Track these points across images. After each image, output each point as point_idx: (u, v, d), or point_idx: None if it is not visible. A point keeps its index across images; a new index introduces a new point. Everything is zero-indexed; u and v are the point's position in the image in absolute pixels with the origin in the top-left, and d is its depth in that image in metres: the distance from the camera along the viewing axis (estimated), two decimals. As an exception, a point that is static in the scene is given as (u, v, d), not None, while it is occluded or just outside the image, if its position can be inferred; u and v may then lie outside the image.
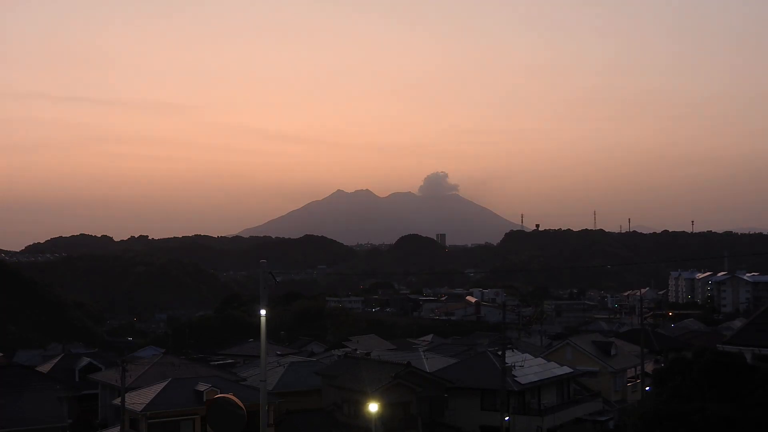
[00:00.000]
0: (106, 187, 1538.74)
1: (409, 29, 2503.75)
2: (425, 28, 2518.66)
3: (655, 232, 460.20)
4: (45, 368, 64.26)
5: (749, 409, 29.64)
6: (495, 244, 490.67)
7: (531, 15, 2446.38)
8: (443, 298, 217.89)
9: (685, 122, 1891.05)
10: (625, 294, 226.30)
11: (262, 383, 20.54)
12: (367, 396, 46.86)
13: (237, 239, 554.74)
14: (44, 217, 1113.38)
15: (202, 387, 47.22)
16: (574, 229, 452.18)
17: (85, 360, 67.63)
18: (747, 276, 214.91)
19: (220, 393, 35.19)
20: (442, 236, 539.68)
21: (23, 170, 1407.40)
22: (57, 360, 69.93)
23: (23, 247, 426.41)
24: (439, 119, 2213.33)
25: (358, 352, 65.91)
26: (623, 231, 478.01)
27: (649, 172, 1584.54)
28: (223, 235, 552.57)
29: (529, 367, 54.76)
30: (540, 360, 59.76)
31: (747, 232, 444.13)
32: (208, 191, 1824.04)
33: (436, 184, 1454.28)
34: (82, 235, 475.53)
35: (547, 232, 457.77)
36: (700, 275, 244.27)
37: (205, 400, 43.02)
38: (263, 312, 21.99)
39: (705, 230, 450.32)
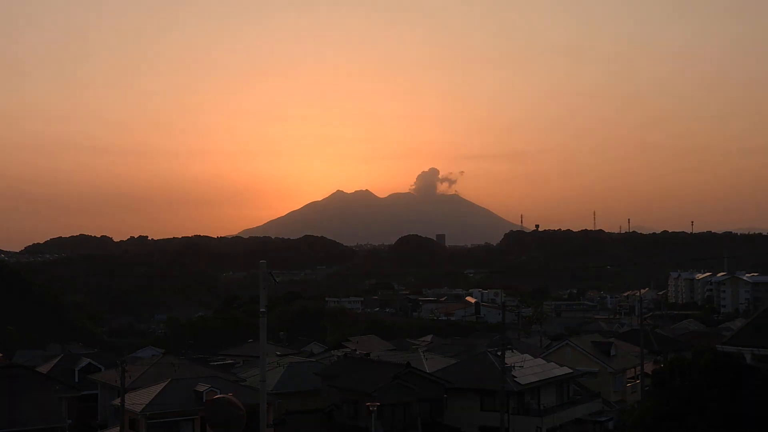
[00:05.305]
0: (106, 187, 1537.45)
1: (409, 28, 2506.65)
2: (426, 27, 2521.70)
3: (655, 232, 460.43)
4: (45, 368, 64.27)
5: (749, 409, 29.64)
6: (495, 245, 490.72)
7: (530, 13, 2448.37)
8: (443, 299, 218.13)
9: (685, 122, 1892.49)
10: (625, 294, 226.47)
11: (261, 383, 20.54)
12: (366, 396, 46.89)
13: (237, 240, 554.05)
14: (44, 217, 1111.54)
15: (201, 387, 47.32)
16: (574, 230, 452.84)
17: (85, 360, 67.65)
18: (746, 276, 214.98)
19: (220, 393, 35.22)
20: (442, 237, 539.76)
21: (23, 170, 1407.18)
22: (57, 360, 70.01)
23: (23, 248, 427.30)
24: (439, 119, 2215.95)
25: (357, 352, 65.95)
26: (623, 231, 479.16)
27: (649, 172, 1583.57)
28: (222, 236, 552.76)
29: (528, 368, 54.82)
30: (539, 360, 59.83)
31: (747, 232, 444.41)
32: (208, 192, 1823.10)
33: (435, 184, 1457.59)
34: (81, 235, 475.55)
35: (547, 233, 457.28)
36: (699, 276, 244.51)
37: (204, 400, 43.03)
38: (263, 312, 21.97)
39: (705, 230, 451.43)
